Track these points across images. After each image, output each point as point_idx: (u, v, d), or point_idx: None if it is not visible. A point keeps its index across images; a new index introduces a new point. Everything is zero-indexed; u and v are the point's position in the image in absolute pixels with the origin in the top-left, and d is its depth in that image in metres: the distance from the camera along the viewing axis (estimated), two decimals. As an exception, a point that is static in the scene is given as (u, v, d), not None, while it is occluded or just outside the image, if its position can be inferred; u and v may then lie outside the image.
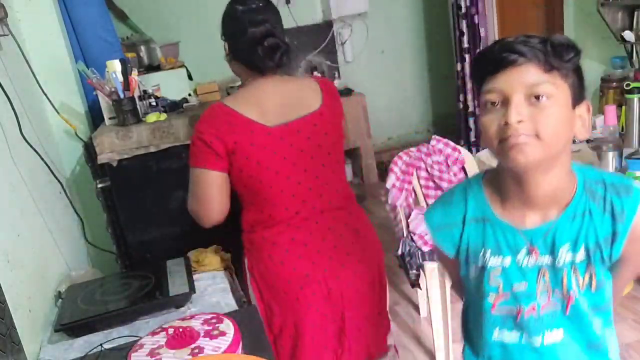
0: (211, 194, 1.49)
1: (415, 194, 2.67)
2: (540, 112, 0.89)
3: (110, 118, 2.03)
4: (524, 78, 0.88)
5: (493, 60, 0.91)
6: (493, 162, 2.96)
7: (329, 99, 1.56)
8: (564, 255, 0.97)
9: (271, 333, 1.56)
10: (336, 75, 4.75)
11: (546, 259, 0.98)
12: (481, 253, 1.02)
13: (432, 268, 2.32)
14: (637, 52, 2.75)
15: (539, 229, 0.98)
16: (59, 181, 1.95)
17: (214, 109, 1.49)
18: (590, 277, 0.97)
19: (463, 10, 3.85)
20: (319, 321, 1.55)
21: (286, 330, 1.56)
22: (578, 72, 0.94)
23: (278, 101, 1.50)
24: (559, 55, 0.89)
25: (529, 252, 0.98)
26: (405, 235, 2.48)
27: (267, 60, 1.47)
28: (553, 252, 0.97)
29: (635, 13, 2.59)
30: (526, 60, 0.88)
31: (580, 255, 0.97)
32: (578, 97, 0.93)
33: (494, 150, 0.94)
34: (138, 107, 1.99)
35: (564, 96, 0.90)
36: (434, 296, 2.33)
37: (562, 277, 0.98)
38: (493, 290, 1.02)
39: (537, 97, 0.88)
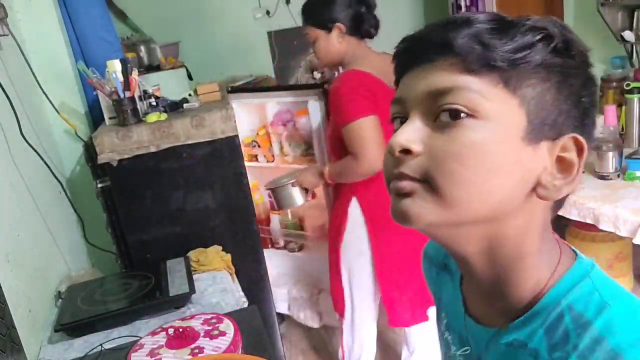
0: (380, 139, 1.75)
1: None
2: (446, 139, 0.51)
3: (110, 118, 2.03)
4: (433, 82, 0.53)
5: (405, 53, 0.57)
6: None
7: None
8: None
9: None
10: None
11: None
12: (439, 311, 0.74)
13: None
14: (637, 52, 2.75)
15: (479, 331, 0.61)
16: (59, 181, 1.95)
17: (351, 73, 1.82)
18: None
19: (463, 10, 3.85)
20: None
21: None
22: (555, 82, 0.53)
23: (388, 68, 1.76)
24: (509, 48, 0.51)
25: (462, 344, 0.65)
26: (405, 235, 2.49)
27: (375, 30, 1.92)
28: None
29: (635, 13, 2.59)
30: (438, 54, 0.53)
31: None
32: (545, 125, 0.53)
33: None
34: (138, 107, 1.99)
35: (505, 116, 0.51)
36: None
37: None
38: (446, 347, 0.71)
39: (453, 114, 0.51)
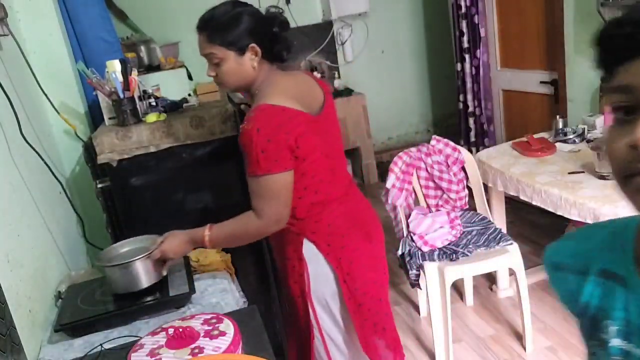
0: (290, 195, 1.52)
1: (415, 194, 2.67)
2: None
3: (110, 118, 2.03)
4: None
5: (628, 39, 0.54)
6: (493, 162, 2.93)
7: (324, 88, 1.69)
8: None
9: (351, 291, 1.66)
10: (336, 75, 4.75)
11: None
12: (602, 323, 0.67)
13: (432, 268, 2.32)
14: (637, 52, 2.75)
15: None
16: (59, 181, 1.95)
17: (266, 110, 1.46)
18: None
19: (463, 10, 3.85)
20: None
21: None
22: None
23: (305, 92, 1.60)
24: None
25: None
26: (405, 235, 2.48)
27: (287, 53, 1.60)
28: None
29: (636, 13, 2.59)
30: None
31: None
32: None
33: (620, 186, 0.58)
34: (138, 107, 1.99)
35: None
36: (434, 296, 2.33)
37: None
38: None
39: None
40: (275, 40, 1.55)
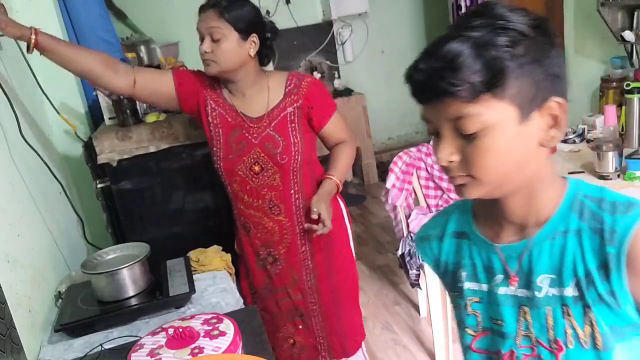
0: None
1: (415, 194, 2.67)
2: (472, 148, 0.72)
3: (110, 118, 2.03)
4: (446, 112, 0.72)
5: (413, 92, 0.77)
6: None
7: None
8: (546, 287, 0.77)
9: None
10: (336, 75, 4.75)
11: (526, 292, 0.80)
12: (457, 273, 0.88)
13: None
14: (637, 52, 2.75)
15: (513, 246, 0.80)
16: (59, 181, 1.95)
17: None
18: (592, 328, 0.74)
19: (463, 10, 3.85)
20: None
21: None
22: (527, 69, 0.70)
23: None
24: (470, 77, 0.68)
25: (507, 279, 0.81)
26: (405, 235, 2.48)
27: (268, 61, 1.76)
28: (530, 280, 0.79)
29: (635, 13, 2.59)
30: (439, 97, 0.72)
31: (571, 290, 0.75)
32: (531, 102, 0.71)
33: None
34: (138, 107, 1.99)
35: (503, 118, 0.71)
36: (434, 296, 2.33)
37: (546, 319, 0.77)
38: (471, 322, 0.86)
39: (465, 130, 0.72)
40: (265, 44, 1.68)
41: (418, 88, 0.75)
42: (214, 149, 1.72)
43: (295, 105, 1.70)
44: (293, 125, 1.70)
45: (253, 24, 1.62)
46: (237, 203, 1.77)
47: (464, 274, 0.87)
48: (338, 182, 1.74)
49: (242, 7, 1.60)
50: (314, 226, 1.67)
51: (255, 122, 1.69)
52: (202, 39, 1.61)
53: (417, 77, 0.74)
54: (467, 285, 0.86)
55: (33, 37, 1.48)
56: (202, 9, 1.62)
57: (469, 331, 0.87)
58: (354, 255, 1.94)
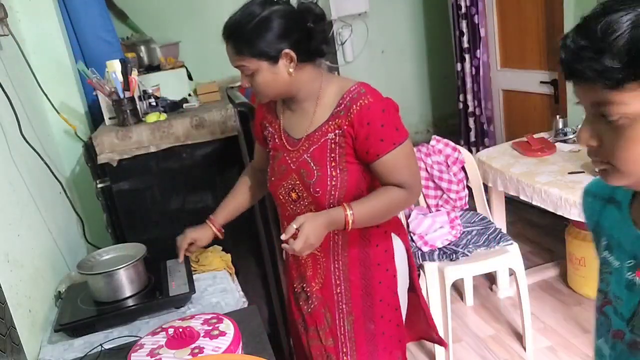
0: None
1: (415, 194, 2.67)
2: (613, 136, 0.68)
3: (110, 118, 2.03)
4: (589, 95, 0.68)
5: (564, 64, 0.69)
6: (493, 162, 2.94)
7: None
8: None
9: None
10: (336, 75, 4.75)
11: None
12: (602, 240, 0.88)
13: (432, 268, 2.32)
14: (637, 52, 2.75)
15: None
16: (59, 181, 1.95)
17: (368, 86, 1.44)
18: None
19: (463, 10, 3.85)
20: None
21: None
22: None
23: None
24: (626, 63, 0.62)
25: (633, 269, 0.79)
26: (405, 235, 2.48)
27: (325, 46, 1.44)
28: None
29: (636, 13, 2.59)
30: (581, 79, 0.67)
31: None
32: None
33: None
34: (138, 107, 1.99)
35: None
36: (434, 296, 2.33)
37: None
38: (602, 287, 0.88)
39: (608, 116, 0.67)
40: (312, 37, 1.38)
41: (562, 66, 0.69)
42: (266, 169, 1.57)
43: (337, 131, 1.39)
44: (333, 155, 1.41)
45: (278, 41, 1.33)
46: (281, 228, 1.56)
47: (604, 243, 0.87)
48: (349, 216, 1.37)
49: (258, 32, 1.32)
50: (284, 244, 1.34)
51: (295, 144, 1.46)
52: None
53: (561, 55, 0.68)
54: (604, 254, 0.87)
55: (216, 230, 1.65)
56: (223, 37, 1.40)
57: (600, 295, 0.89)
58: (402, 305, 1.60)
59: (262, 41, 1.32)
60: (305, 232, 1.31)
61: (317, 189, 1.42)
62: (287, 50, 1.34)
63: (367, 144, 1.37)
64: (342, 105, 1.38)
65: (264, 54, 1.33)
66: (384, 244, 1.53)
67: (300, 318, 1.62)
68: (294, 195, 1.48)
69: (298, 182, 1.46)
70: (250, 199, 1.72)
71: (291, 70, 1.37)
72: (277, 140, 1.52)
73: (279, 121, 1.52)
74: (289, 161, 1.47)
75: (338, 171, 1.41)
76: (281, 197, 1.51)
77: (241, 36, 1.33)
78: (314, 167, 1.42)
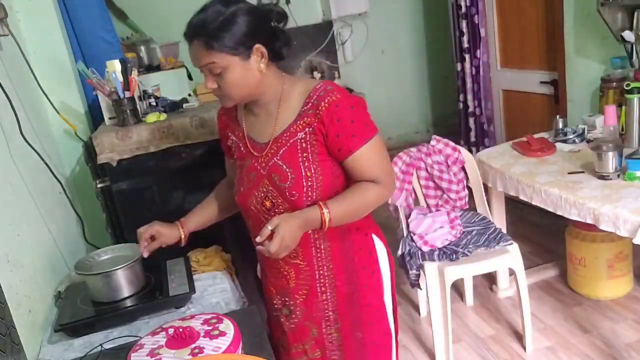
0: None
1: (415, 194, 2.67)
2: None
3: (110, 118, 2.03)
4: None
5: None
6: (493, 162, 2.94)
7: None
8: None
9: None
10: (336, 75, 4.75)
11: None
12: None
13: (432, 268, 2.32)
14: (637, 52, 2.75)
15: None
16: (59, 181, 1.95)
17: (333, 84, 1.39)
18: None
19: (463, 10, 3.85)
20: None
21: None
22: None
23: None
24: None
25: None
26: (405, 235, 2.48)
27: (287, 49, 1.39)
28: None
29: (635, 13, 2.59)
30: None
31: None
32: None
33: None
34: (138, 107, 1.99)
35: None
36: (434, 296, 2.33)
37: None
38: None
39: None
40: (275, 37, 1.35)
41: None
42: (234, 182, 1.50)
43: (307, 129, 1.35)
44: (305, 154, 1.35)
45: (249, 35, 1.29)
46: (253, 242, 1.39)
47: None
48: (326, 215, 1.31)
49: (228, 25, 1.27)
50: (259, 246, 1.28)
51: (263, 149, 1.40)
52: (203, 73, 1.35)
53: None
54: None
55: (183, 234, 1.57)
56: (186, 39, 1.32)
57: None
58: (387, 310, 1.56)
59: (233, 35, 1.27)
60: (281, 233, 1.26)
61: (294, 192, 1.35)
62: (258, 45, 1.30)
63: (339, 142, 1.33)
64: (310, 104, 1.34)
65: (236, 48, 1.28)
66: (366, 247, 1.50)
67: (282, 337, 1.55)
68: (267, 203, 1.39)
69: (271, 187, 1.38)
70: (220, 213, 1.65)
71: (262, 66, 1.32)
72: (242, 149, 1.45)
73: (242, 128, 1.46)
74: (258, 167, 1.40)
75: (312, 171, 1.35)
76: (253, 208, 1.42)
77: (211, 32, 1.27)
78: (287, 170, 1.36)
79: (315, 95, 1.34)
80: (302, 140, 1.36)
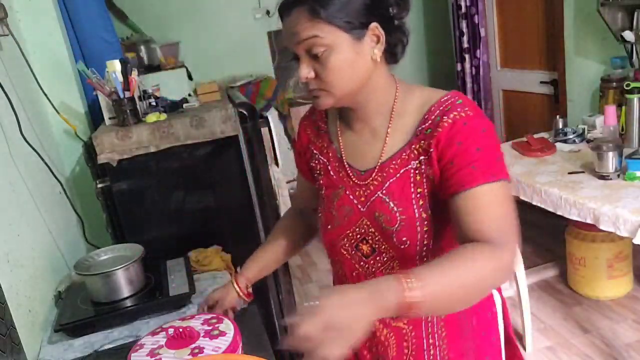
0: None
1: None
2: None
3: (110, 118, 2.03)
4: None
5: None
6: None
7: None
8: None
9: None
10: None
11: None
12: None
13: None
14: (637, 52, 2.75)
15: None
16: (59, 181, 1.95)
17: (468, 99, 1.01)
18: None
19: (463, 10, 3.85)
20: None
21: None
22: None
23: None
24: None
25: None
26: (405, 235, 2.47)
27: (402, 51, 1.12)
28: None
29: (635, 13, 2.59)
30: None
31: None
32: None
33: None
34: (138, 107, 1.99)
35: None
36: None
37: None
38: None
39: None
40: (392, 27, 1.04)
41: None
42: (319, 213, 1.17)
43: (422, 158, 1.00)
44: (420, 190, 1.01)
45: (369, 8, 0.97)
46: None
47: None
48: (410, 292, 0.77)
49: None
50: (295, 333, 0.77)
51: (363, 177, 1.07)
52: (296, 58, 1.01)
53: None
54: None
55: (239, 291, 1.32)
56: (283, 9, 1.00)
57: None
58: None
59: (348, 5, 0.95)
60: (328, 312, 0.74)
61: (404, 238, 1.01)
62: (375, 24, 0.98)
63: (451, 170, 0.94)
64: (430, 122, 0.99)
65: (349, 22, 0.95)
66: (486, 305, 1.14)
67: None
68: (365, 248, 1.08)
69: (372, 229, 1.05)
70: (292, 249, 1.34)
71: (377, 52, 1.00)
72: (332, 174, 1.12)
73: (335, 146, 1.13)
74: (355, 201, 1.08)
75: (430, 212, 1.01)
76: (344, 252, 1.11)
77: None
78: (396, 209, 1.02)
79: (438, 111, 0.99)
80: (416, 171, 1.01)
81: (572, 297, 2.76)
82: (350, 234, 1.09)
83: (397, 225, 1.02)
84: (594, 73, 2.98)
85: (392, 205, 1.03)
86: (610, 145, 2.16)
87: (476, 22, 3.79)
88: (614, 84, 2.74)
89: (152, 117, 1.95)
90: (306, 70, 0.99)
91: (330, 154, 1.14)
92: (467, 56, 3.95)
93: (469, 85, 3.99)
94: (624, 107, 2.48)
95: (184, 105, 2.16)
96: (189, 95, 2.40)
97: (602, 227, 1.99)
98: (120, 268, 1.51)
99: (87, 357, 1.33)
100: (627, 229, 1.90)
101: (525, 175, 2.40)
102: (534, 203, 2.33)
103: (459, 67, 4.09)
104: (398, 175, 1.03)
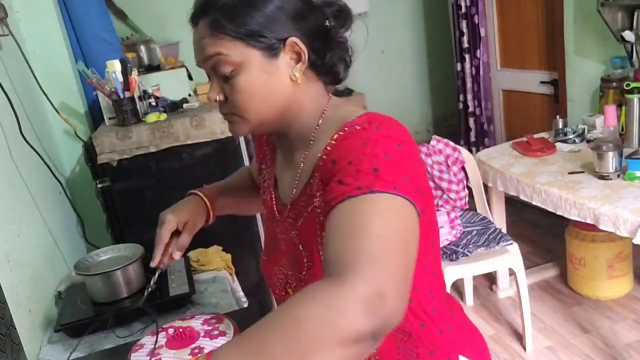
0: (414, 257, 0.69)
1: (415, 194, 2.66)
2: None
3: (110, 118, 2.04)
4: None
5: None
6: (493, 162, 2.94)
7: None
8: None
9: None
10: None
11: None
12: None
13: (432, 268, 2.32)
14: (637, 52, 2.75)
15: None
16: (59, 181, 1.95)
17: (384, 117, 0.84)
18: None
19: (463, 10, 3.85)
20: None
21: None
22: None
23: None
24: None
25: None
26: (405, 235, 2.47)
27: (345, 68, 0.97)
28: None
29: (635, 13, 2.59)
30: None
31: None
32: None
33: None
34: (138, 107, 1.99)
35: None
36: (434, 296, 2.33)
37: None
38: None
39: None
40: (329, 43, 0.89)
41: None
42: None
43: (319, 192, 0.82)
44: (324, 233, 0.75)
45: (288, 22, 0.82)
46: None
47: None
48: None
49: (259, 1, 0.81)
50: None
51: (283, 212, 0.95)
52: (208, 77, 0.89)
53: None
54: None
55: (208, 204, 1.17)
56: (192, 22, 0.86)
57: None
58: None
59: (259, 16, 0.80)
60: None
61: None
62: (294, 39, 0.82)
63: (324, 193, 0.76)
64: (330, 148, 0.81)
65: (256, 35, 0.80)
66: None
67: None
68: (290, 291, 0.94)
69: (290, 272, 0.93)
70: (252, 186, 1.21)
71: (297, 74, 0.84)
72: (267, 199, 1.01)
73: (273, 168, 1.01)
74: (279, 236, 0.96)
75: None
76: (277, 290, 0.99)
77: (223, 6, 0.81)
78: (304, 253, 0.88)
79: (337, 135, 0.81)
80: (319, 209, 0.83)
81: (572, 297, 2.76)
82: (277, 273, 0.95)
83: (304, 272, 0.87)
84: (594, 73, 2.98)
85: (300, 247, 0.88)
86: (610, 145, 2.16)
87: (476, 22, 3.79)
88: (614, 84, 2.74)
89: (152, 117, 1.95)
90: (214, 92, 0.86)
91: (272, 176, 1.01)
92: (467, 56, 3.95)
93: (469, 85, 3.99)
94: (624, 107, 2.48)
95: (184, 105, 2.16)
96: (189, 95, 2.40)
97: (602, 227, 1.99)
98: (120, 268, 1.51)
99: (87, 357, 1.33)
100: (627, 229, 1.90)
101: (526, 175, 2.40)
102: (534, 203, 2.33)
103: (459, 67, 4.08)
104: (306, 214, 0.87)
